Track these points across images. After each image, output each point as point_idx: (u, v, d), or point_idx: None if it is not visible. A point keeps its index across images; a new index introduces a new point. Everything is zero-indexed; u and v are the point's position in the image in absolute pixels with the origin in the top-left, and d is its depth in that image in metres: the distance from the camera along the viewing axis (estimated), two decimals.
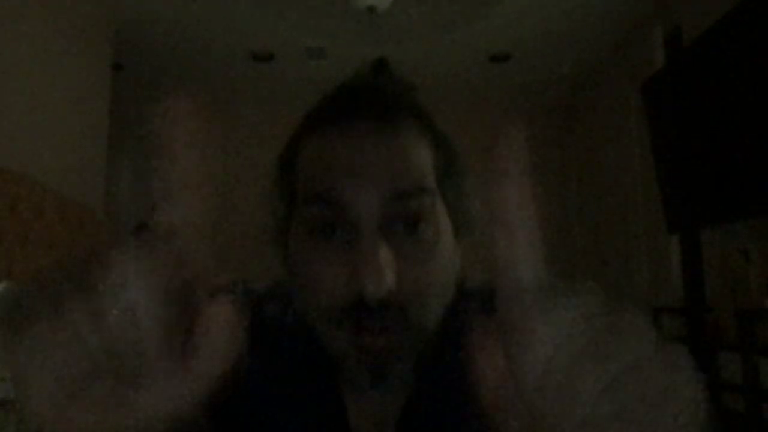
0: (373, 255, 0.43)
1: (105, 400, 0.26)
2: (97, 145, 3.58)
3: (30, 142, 2.70)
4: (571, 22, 3.97)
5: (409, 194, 0.46)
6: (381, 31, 3.99)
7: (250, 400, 0.55)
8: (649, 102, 3.25)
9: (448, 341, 0.55)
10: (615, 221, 4.45)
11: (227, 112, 5.43)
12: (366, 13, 3.46)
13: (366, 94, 0.51)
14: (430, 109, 0.54)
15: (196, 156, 0.29)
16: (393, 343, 0.45)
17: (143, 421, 0.26)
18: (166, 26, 4.07)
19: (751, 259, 2.78)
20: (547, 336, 0.25)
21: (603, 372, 0.24)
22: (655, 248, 3.84)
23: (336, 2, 3.66)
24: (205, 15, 3.90)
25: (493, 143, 0.28)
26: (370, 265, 0.43)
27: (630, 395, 0.24)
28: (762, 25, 2.32)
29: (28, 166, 2.60)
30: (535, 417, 0.26)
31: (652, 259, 3.90)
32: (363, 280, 0.43)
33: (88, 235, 3.18)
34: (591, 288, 0.27)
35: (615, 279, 4.44)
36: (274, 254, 0.54)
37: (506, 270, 0.27)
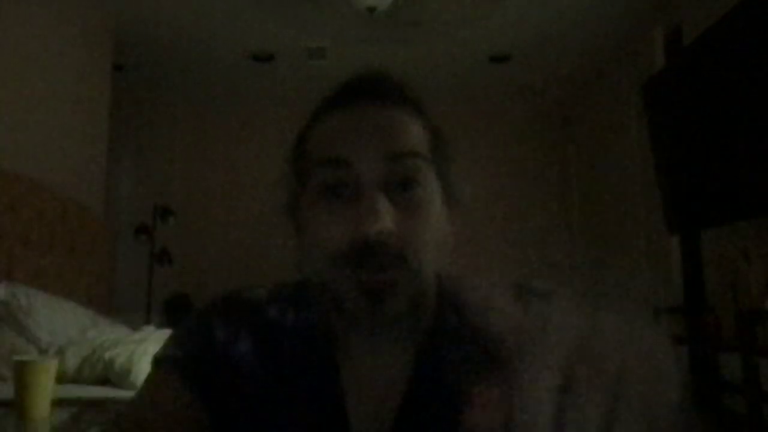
0: (373, 203, 0.51)
1: None
2: (97, 145, 3.58)
3: (30, 143, 2.70)
4: (571, 22, 3.97)
5: (404, 155, 0.54)
6: (381, 31, 3.99)
7: (252, 399, 0.57)
8: (649, 102, 3.25)
9: (450, 331, 0.57)
10: (615, 221, 4.45)
11: (228, 113, 5.43)
12: (366, 13, 3.46)
13: (368, 84, 0.59)
14: (424, 101, 0.61)
15: None
16: (391, 280, 0.51)
17: None
18: (166, 26, 4.07)
19: (751, 260, 2.78)
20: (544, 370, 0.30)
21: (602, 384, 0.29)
22: (655, 248, 3.84)
23: (336, 3, 3.66)
24: (206, 15, 3.90)
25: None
26: (371, 211, 0.50)
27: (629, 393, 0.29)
28: (762, 25, 2.32)
29: (28, 166, 2.60)
30: None
31: (652, 259, 3.90)
32: (364, 224, 0.50)
33: (88, 235, 3.18)
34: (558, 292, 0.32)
35: (615, 279, 4.44)
36: (286, 221, 0.61)
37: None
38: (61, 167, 3.01)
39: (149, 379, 0.59)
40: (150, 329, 2.16)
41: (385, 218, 0.50)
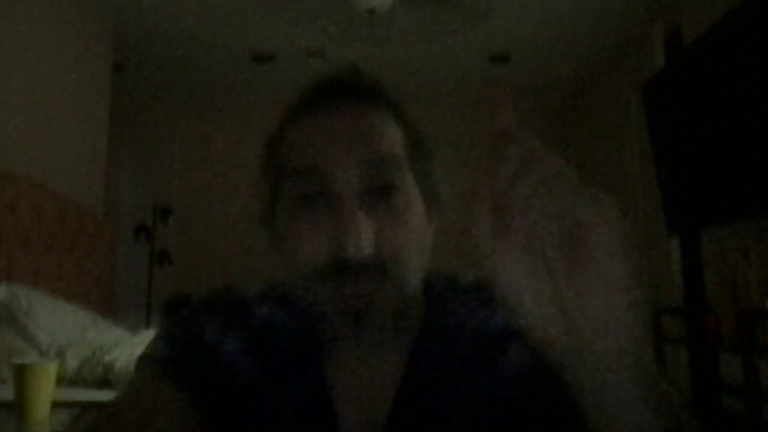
0: (352, 220, 0.49)
1: None
2: (97, 145, 3.57)
3: (30, 142, 2.70)
4: (571, 22, 3.97)
5: (382, 163, 0.52)
6: (381, 31, 3.98)
7: (243, 396, 0.57)
8: (649, 102, 3.24)
9: (441, 333, 0.57)
10: None
11: (227, 113, 5.43)
12: (366, 15, 3.45)
13: (343, 85, 0.57)
14: (399, 100, 0.59)
15: None
16: (372, 293, 0.50)
17: None
18: (166, 26, 4.07)
19: (751, 260, 2.78)
20: None
21: None
22: (655, 248, 3.84)
23: (336, 4, 3.65)
24: (206, 15, 3.90)
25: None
26: (350, 229, 0.48)
27: None
28: (762, 25, 2.32)
29: (28, 166, 2.60)
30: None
31: (652, 259, 3.90)
32: (344, 243, 0.48)
33: (88, 235, 3.18)
34: None
35: None
36: (261, 231, 0.60)
37: None
38: (61, 167, 3.01)
39: (137, 378, 0.58)
40: (150, 333, 2.16)
41: (365, 233, 0.49)
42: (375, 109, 0.56)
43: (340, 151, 0.52)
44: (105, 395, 1.57)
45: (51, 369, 1.24)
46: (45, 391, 1.22)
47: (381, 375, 0.56)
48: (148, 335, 2.06)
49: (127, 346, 1.78)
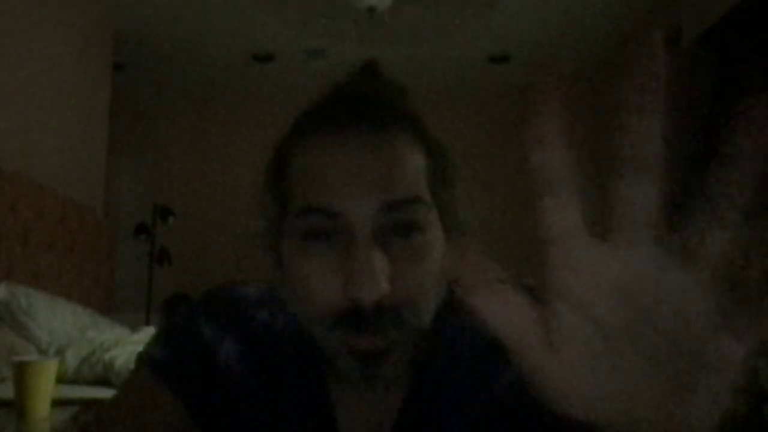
0: (368, 263, 0.44)
1: None
2: (97, 145, 3.57)
3: (30, 142, 2.70)
4: (571, 22, 3.97)
5: (403, 204, 0.47)
6: (381, 31, 3.98)
7: (240, 404, 0.56)
8: None
9: (444, 344, 0.55)
10: None
11: (227, 113, 5.43)
12: (366, 13, 3.46)
13: (357, 100, 0.51)
14: (421, 112, 0.53)
15: None
16: (387, 342, 0.46)
17: None
18: (166, 26, 4.07)
19: (751, 260, 2.78)
20: None
21: None
22: None
23: (336, 3, 3.66)
24: (206, 15, 3.90)
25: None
26: (366, 273, 0.44)
27: None
28: (762, 25, 2.32)
29: (28, 166, 2.60)
30: None
31: None
32: (358, 288, 0.44)
33: (88, 235, 3.18)
34: None
35: None
36: (266, 258, 0.55)
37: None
38: (61, 167, 3.01)
39: (133, 378, 0.57)
40: (150, 330, 2.16)
41: (381, 280, 0.44)
42: (396, 131, 0.49)
43: (356, 192, 0.46)
44: (105, 393, 1.57)
45: (51, 367, 1.24)
46: (45, 389, 1.22)
47: (384, 394, 0.54)
48: (147, 333, 2.06)
49: (127, 344, 1.78)
